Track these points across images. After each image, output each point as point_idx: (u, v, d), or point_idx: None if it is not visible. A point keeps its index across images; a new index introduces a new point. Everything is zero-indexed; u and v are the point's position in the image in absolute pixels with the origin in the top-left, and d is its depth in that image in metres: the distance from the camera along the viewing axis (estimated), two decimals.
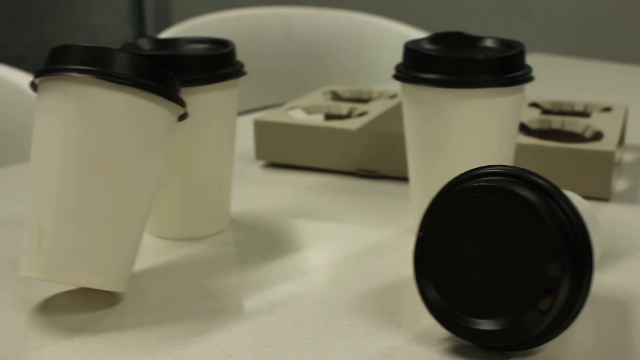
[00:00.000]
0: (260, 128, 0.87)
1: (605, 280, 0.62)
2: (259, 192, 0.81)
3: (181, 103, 0.59)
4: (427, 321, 0.54)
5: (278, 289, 0.60)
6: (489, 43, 0.67)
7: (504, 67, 0.63)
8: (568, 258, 0.48)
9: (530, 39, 2.49)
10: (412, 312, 0.56)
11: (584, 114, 0.92)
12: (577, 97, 1.09)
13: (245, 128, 0.90)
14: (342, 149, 0.84)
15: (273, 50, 1.53)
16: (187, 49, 0.69)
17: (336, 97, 1.01)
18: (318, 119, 0.93)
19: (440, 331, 0.53)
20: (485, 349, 0.51)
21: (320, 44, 1.53)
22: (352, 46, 1.49)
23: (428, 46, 0.67)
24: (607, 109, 0.92)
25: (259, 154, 0.88)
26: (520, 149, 0.78)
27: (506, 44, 0.67)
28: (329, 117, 0.94)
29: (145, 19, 3.20)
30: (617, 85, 1.29)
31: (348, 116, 0.93)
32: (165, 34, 1.42)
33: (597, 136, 0.83)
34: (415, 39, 0.68)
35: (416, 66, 0.65)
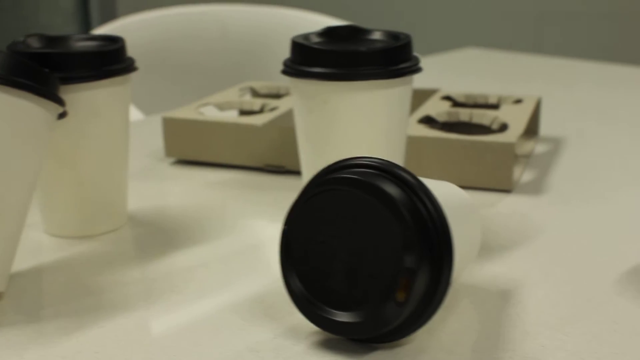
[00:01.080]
0: (169, 125, 0.86)
1: (489, 270, 0.62)
2: (164, 189, 0.80)
3: (58, 101, 0.59)
4: (301, 315, 0.54)
5: (159, 285, 0.60)
6: (377, 36, 0.67)
7: (389, 59, 0.63)
8: (425, 250, 0.47)
9: (492, 34, 2.50)
10: (290, 306, 0.56)
11: (495, 106, 0.92)
12: (510, 90, 1.09)
13: (161, 125, 0.90)
14: (249, 145, 0.84)
15: (209, 47, 1.52)
16: (75, 46, 0.68)
17: (254, 93, 1.01)
18: (231, 115, 0.92)
19: (312, 325, 0.53)
20: (352, 342, 0.51)
21: (256, 40, 1.53)
22: (288, 42, 1.48)
23: (316, 40, 0.67)
24: (519, 101, 0.92)
25: (169, 151, 0.87)
26: (423, 141, 0.78)
27: (394, 36, 0.66)
28: (242, 113, 0.94)
29: (91, 18, 3.18)
30: (555, 77, 1.30)
31: (260, 112, 0.92)
32: (97, 32, 1.41)
33: (503, 128, 0.83)
34: (305, 33, 0.68)
35: (302, 60, 0.64)
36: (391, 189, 0.48)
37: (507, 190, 0.78)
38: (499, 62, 1.42)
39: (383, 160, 0.51)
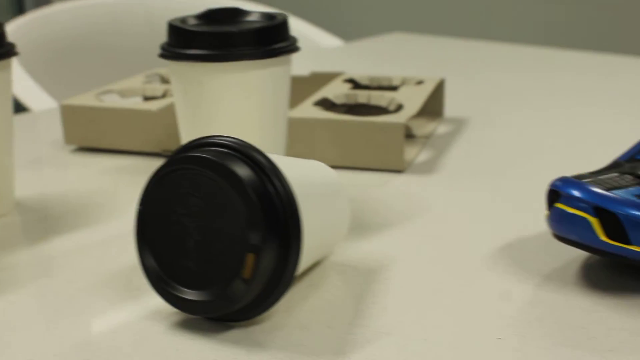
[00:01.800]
0: (67, 112, 0.86)
1: (363, 248, 0.62)
2: (59, 176, 0.80)
3: None
4: None
5: (33, 269, 0.60)
6: (255, 17, 0.67)
7: (263, 40, 0.63)
8: (270, 228, 0.48)
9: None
10: None
11: (395, 87, 0.92)
12: (432, 74, 1.09)
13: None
14: (145, 131, 0.83)
15: (136, 34, 1.52)
16: None
17: (162, 79, 1.00)
18: (134, 102, 0.92)
19: None
20: (211, 321, 0.51)
21: None
22: None
23: (193, 22, 0.67)
24: (420, 83, 0.92)
25: (68, 139, 0.87)
26: (315, 123, 0.78)
27: (270, 17, 0.66)
28: (146, 99, 0.93)
29: (25, 3, 3.16)
30: (477, 61, 1.30)
31: (163, 98, 0.92)
32: (18, 22, 1.40)
33: (400, 109, 0.83)
34: (184, 16, 0.67)
35: (177, 43, 0.64)
36: (239, 168, 0.48)
37: (399, 171, 0.78)
38: (424, 47, 1.43)
39: (237, 139, 0.51)
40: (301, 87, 0.96)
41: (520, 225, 0.65)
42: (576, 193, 0.53)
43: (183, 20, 0.67)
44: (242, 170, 0.48)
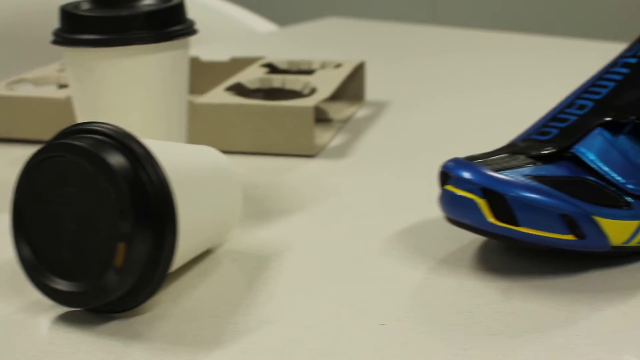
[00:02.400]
0: None
1: (261, 235, 0.61)
2: None
3: None
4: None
5: None
6: (151, 0, 0.66)
7: (156, 23, 0.62)
8: (141, 216, 0.46)
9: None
10: None
11: (312, 71, 0.91)
12: (362, 58, 1.08)
13: None
14: (54, 120, 0.81)
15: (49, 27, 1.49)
16: None
17: None
18: (48, 91, 0.90)
19: None
20: (91, 313, 0.50)
21: None
22: None
23: (86, 7, 0.65)
24: (339, 66, 0.91)
25: None
26: (224, 108, 0.77)
27: (166, 1, 0.65)
28: (61, 87, 0.92)
29: None
30: (409, 44, 1.29)
31: None
32: None
33: (314, 92, 0.82)
34: (76, 0, 0.66)
35: (68, 28, 0.63)
36: (110, 156, 0.47)
37: (310, 156, 0.77)
38: (361, 32, 1.41)
39: (112, 126, 0.49)
40: (220, 73, 0.94)
41: (425, 208, 0.64)
42: (464, 174, 0.52)
43: (76, 4, 0.65)
44: (114, 158, 0.47)
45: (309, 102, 0.76)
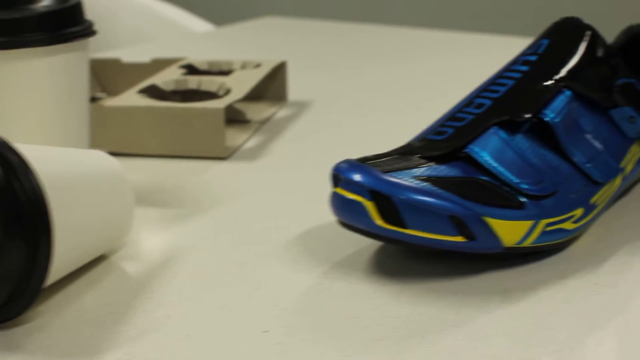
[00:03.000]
0: None
1: (157, 240, 0.60)
2: None
3: None
4: None
5: None
6: (48, 1, 0.64)
7: (51, 25, 0.60)
8: (11, 226, 0.45)
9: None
10: None
11: (229, 72, 0.90)
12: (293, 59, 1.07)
13: None
14: None
15: None
16: None
17: None
18: None
19: None
20: None
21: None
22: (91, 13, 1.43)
23: None
24: (258, 66, 0.90)
25: None
26: (134, 111, 0.76)
27: (63, 1, 0.63)
28: None
29: None
30: (346, 44, 1.28)
31: None
32: None
33: (228, 93, 0.81)
34: None
35: None
36: None
37: (222, 158, 0.76)
38: (297, 31, 1.40)
39: None
40: (140, 74, 0.93)
41: (328, 211, 0.63)
42: (353, 176, 0.51)
43: None
44: None
45: (219, 103, 0.75)
